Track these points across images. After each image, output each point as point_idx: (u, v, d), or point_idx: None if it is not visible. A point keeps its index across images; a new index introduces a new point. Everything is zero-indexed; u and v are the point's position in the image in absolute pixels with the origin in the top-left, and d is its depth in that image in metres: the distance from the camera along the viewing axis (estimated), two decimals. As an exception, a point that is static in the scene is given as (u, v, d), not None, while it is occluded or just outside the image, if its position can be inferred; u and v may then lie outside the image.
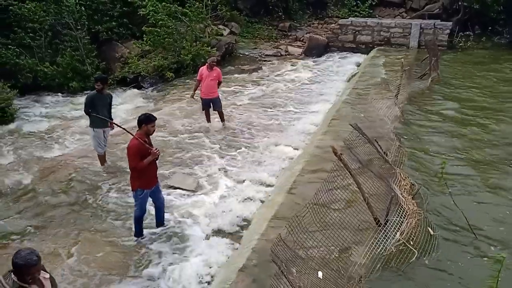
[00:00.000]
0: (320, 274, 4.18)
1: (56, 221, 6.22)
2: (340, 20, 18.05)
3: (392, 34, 16.66)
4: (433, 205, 5.51)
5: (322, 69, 15.34)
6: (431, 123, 8.60)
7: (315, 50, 17.23)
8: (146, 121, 5.41)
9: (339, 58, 16.70)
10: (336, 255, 4.60)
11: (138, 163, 5.33)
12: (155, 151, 5.37)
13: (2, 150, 8.81)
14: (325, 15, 21.13)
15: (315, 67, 15.63)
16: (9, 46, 12.95)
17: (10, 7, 13.24)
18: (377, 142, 6.35)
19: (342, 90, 12.34)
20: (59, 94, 12.96)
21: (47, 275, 3.08)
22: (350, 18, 18.46)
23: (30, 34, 13.52)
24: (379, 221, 4.91)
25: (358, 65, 15.30)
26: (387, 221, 4.86)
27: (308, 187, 6.18)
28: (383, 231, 4.71)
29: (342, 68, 15.35)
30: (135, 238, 5.80)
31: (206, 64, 9.75)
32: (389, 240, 4.60)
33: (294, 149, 8.65)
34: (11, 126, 10.40)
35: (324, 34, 18.65)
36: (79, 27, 13.97)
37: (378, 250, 4.47)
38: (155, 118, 5.55)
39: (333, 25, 18.92)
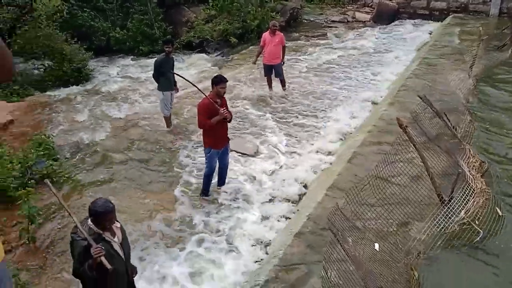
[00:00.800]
0: (377, 246, 4.17)
1: (125, 176, 6.63)
2: (414, -15, 16.95)
3: (471, 0, 15.42)
4: (503, 185, 5.23)
5: (391, 37, 14.64)
6: (508, 99, 8.00)
7: (384, 17, 16.42)
8: (217, 82, 5.60)
9: (410, 25, 15.79)
10: (395, 229, 4.54)
11: (205, 121, 5.55)
12: (223, 111, 5.50)
13: (78, 107, 9.42)
14: (398, -21, 19.87)
15: (383, 34, 14.94)
16: (85, 9, 13.56)
17: (86, -30, 13.81)
18: (446, 116, 6.04)
19: (411, 59, 11.75)
20: (130, 56, 13.48)
21: (118, 225, 3.34)
22: (425, -18, 17.26)
23: (104, -3, 14.06)
24: (443, 197, 4.75)
25: (430, 33, 14.41)
26: (451, 198, 4.68)
27: (369, 158, 6.08)
28: (446, 208, 4.55)
29: (412, 36, 14.53)
30: (201, 196, 6.07)
31: (269, 29, 9.66)
32: (452, 218, 4.45)
33: (354, 118, 8.47)
34: (86, 86, 11.03)
35: (395, 0, 17.64)
36: (149, -9, 14.27)
37: (440, 228, 4.35)
38: (226, 80, 5.70)
39: (405, -11, 17.79)
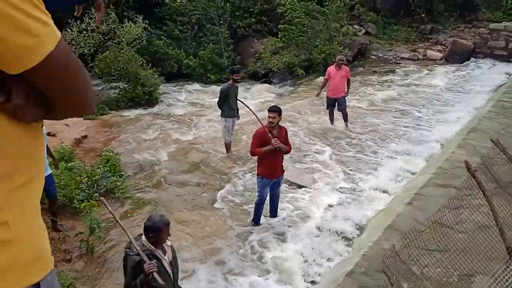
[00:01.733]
0: (434, 296, 3.89)
1: (182, 197, 6.81)
2: (492, 24, 16.25)
3: (554, 43, 14.49)
4: None
5: (464, 77, 14.04)
6: None
7: (458, 56, 15.80)
8: (268, 111, 5.68)
9: (486, 66, 15.06)
10: (455, 280, 4.22)
11: (255, 149, 5.63)
12: (274, 142, 5.51)
13: (145, 128, 9.92)
14: (474, 19, 19.23)
15: (456, 74, 14.37)
16: (161, 37, 14.48)
17: (166, 1, 14.82)
18: (521, 163, 5.61)
19: (485, 101, 11.16)
20: (198, 83, 14.08)
21: (169, 243, 3.41)
22: (503, 22, 16.51)
23: (179, 27, 14.94)
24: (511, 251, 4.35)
25: (508, 75, 13.64)
26: (522, 253, 4.28)
27: (431, 201, 5.76)
28: (515, 263, 4.16)
29: (487, 77, 13.83)
30: (252, 223, 6.07)
31: (334, 63, 9.67)
32: (522, 275, 4.05)
33: (419, 158, 8.12)
34: (156, 108, 11.64)
35: (471, 39, 17.00)
36: (221, 22, 14.99)
37: (507, 284, 3.97)
38: (274, 110, 5.64)
39: (482, 29, 17.11)
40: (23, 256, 1.15)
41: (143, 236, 3.27)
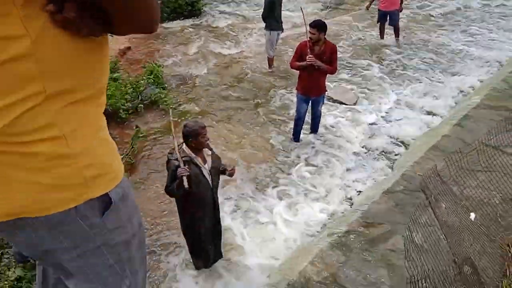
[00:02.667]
0: (472, 215, 3.86)
1: (223, 111, 6.87)
2: None
3: None
4: None
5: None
6: None
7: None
8: (309, 26, 5.23)
9: None
10: (497, 202, 4.13)
11: (293, 61, 5.48)
12: (310, 57, 5.21)
13: (188, 41, 9.80)
14: None
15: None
16: None
17: None
18: None
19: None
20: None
21: (210, 153, 3.48)
22: None
23: None
24: None
25: None
26: None
27: (481, 123, 5.50)
28: None
29: None
30: (291, 139, 6.09)
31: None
32: None
33: (474, 78, 7.64)
34: (198, 20, 11.37)
35: None
36: None
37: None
38: (314, 26, 5.19)
39: None
40: (86, 170, 1.18)
41: (184, 144, 3.36)
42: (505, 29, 9.89)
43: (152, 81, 7.19)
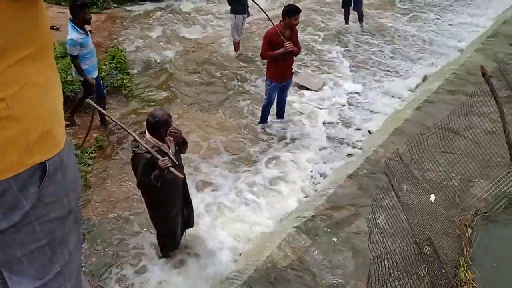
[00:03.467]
0: (432, 197, 4.01)
1: (189, 97, 6.78)
2: None
3: None
4: None
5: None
6: None
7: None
8: (289, 13, 5.19)
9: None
10: (455, 184, 4.30)
11: (267, 51, 5.35)
12: (287, 45, 5.23)
13: (152, 25, 9.55)
14: None
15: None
16: None
17: None
18: (540, 70, 5.40)
19: (508, 6, 10.45)
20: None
21: (171, 138, 3.41)
22: None
23: None
24: (515, 158, 4.38)
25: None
26: (525, 160, 4.31)
27: (441, 107, 5.70)
28: (517, 169, 4.21)
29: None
30: (259, 125, 6.09)
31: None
32: (522, 181, 4.12)
33: (434, 64, 7.87)
34: (162, 3, 11.08)
35: None
36: None
37: (505, 189, 4.06)
38: (299, 11, 5.26)
39: None
40: (26, 134, 1.13)
41: (147, 134, 3.29)
42: (464, 16, 10.20)
43: (115, 66, 6.99)
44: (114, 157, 5.39)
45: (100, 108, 3.51)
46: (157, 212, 3.58)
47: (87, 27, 5.39)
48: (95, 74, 5.45)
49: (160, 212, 3.56)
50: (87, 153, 5.30)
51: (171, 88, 6.99)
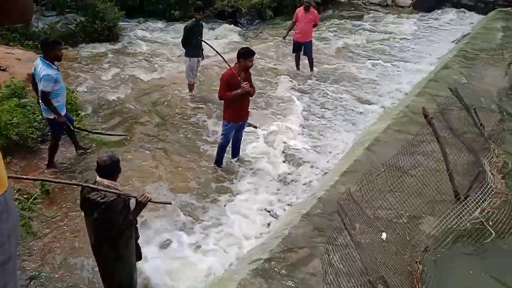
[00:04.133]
0: (384, 235, 4.09)
1: (141, 138, 6.68)
2: (462, -27, 16.16)
3: (520, -6, 14.66)
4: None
5: (429, 25, 14.12)
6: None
7: (426, 4, 15.80)
8: (245, 55, 5.40)
9: (452, 15, 15.16)
10: (405, 221, 4.44)
11: (224, 93, 5.45)
12: (245, 85, 5.36)
13: (104, 66, 9.49)
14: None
15: (422, 22, 14.41)
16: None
17: None
18: (476, 112, 5.81)
19: (447, 50, 11.31)
20: (161, 20, 13.42)
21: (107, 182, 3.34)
22: (474, -29, 16.46)
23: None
24: (459, 195, 4.60)
25: (472, 25, 13.80)
26: (467, 196, 4.54)
27: (389, 146, 5.93)
28: (461, 205, 4.41)
29: (452, 26, 13.98)
30: (214, 165, 6.07)
31: (303, 5, 9.41)
32: (466, 216, 4.32)
33: (382, 107, 8.27)
34: (116, 45, 11.08)
35: (440, -13, 16.93)
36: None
37: (452, 224, 4.23)
38: (254, 54, 5.51)
39: (452, -23, 17.03)
40: None
41: (101, 179, 3.22)
42: (409, 62, 10.90)
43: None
44: (60, 204, 5.14)
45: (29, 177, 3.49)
46: (123, 262, 3.42)
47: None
48: (64, 111, 5.43)
49: (125, 261, 3.43)
50: (31, 198, 5.03)
51: (123, 130, 6.87)
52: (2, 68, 7.85)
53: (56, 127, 5.44)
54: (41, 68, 5.05)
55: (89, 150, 6.11)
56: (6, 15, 1.12)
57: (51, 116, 5.27)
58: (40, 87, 5.10)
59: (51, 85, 5.08)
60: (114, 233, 3.19)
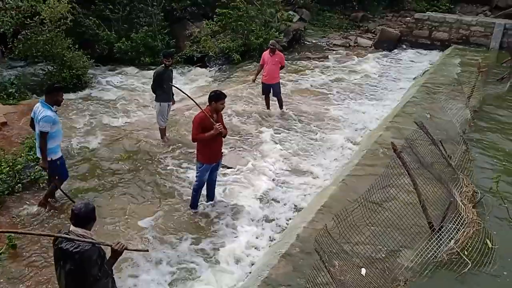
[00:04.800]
0: (363, 271, 4.09)
1: (114, 186, 6.55)
2: (416, 14, 17.16)
3: (472, 33, 15.63)
4: (496, 216, 5.16)
5: (391, 64, 14.77)
6: (504, 131, 8.00)
7: (386, 44, 16.57)
8: (216, 98, 5.52)
9: (411, 54, 15.96)
10: (383, 255, 4.45)
11: (198, 134, 5.49)
12: (218, 126, 5.44)
13: (73, 114, 9.38)
14: (401, 8, 20.28)
15: (384, 61, 15.07)
16: (90, 17, 13.64)
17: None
18: (442, 144, 6.03)
19: (409, 86, 11.82)
20: (130, 66, 13.52)
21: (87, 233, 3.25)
22: (427, 12, 17.53)
23: (110, 7, 14.15)
24: (433, 226, 4.68)
25: (431, 62, 14.54)
26: (441, 227, 4.62)
27: (361, 181, 6.01)
28: (436, 237, 4.48)
29: (412, 64, 14.70)
30: (189, 209, 5.98)
31: (268, 48, 9.71)
32: (441, 247, 4.38)
33: (351, 143, 8.46)
34: (84, 92, 11.03)
35: (398, 28, 17.90)
36: (155, 4, 14.42)
37: (429, 256, 4.27)
38: (224, 96, 5.63)
39: (408, 18, 18.09)
40: None
41: (75, 228, 3.12)
42: (365, 97, 11.31)
43: (32, 157, 6.62)
44: (30, 258, 4.90)
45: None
46: None
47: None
48: (60, 153, 5.67)
49: None
50: (-3, 253, 4.78)
51: (95, 178, 6.72)
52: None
53: (52, 169, 5.59)
54: (41, 110, 5.33)
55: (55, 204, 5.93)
56: None
57: (54, 157, 5.52)
58: (39, 128, 5.32)
59: (50, 125, 5.31)
60: (87, 285, 3.05)
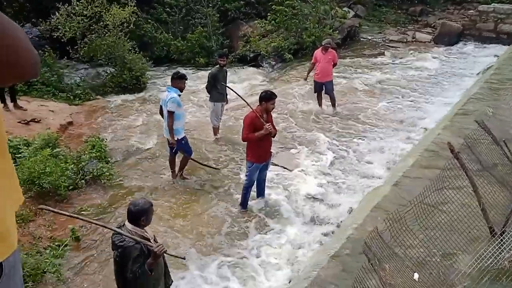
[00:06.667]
0: (416, 275, 3.94)
1: (170, 184, 6.79)
2: (480, 6, 16.19)
3: (543, 25, 14.52)
4: None
5: (453, 59, 14.04)
6: None
7: (447, 38, 15.77)
8: (267, 98, 5.58)
9: (474, 48, 15.08)
10: (438, 260, 4.27)
11: (248, 134, 5.56)
12: (268, 126, 5.48)
13: (133, 114, 9.82)
14: (464, 0, 19.20)
15: (445, 56, 14.36)
16: (149, 21, 14.23)
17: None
18: (506, 145, 5.66)
19: (472, 82, 11.18)
20: (187, 67, 13.91)
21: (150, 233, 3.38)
22: (493, 4, 16.47)
23: (167, 9, 14.67)
24: (494, 231, 4.41)
25: (496, 56, 13.66)
26: (503, 232, 4.34)
27: (417, 182, 5.80)
28: (497, 242, 4.22)
29: (476, 59, 13.88)
30: (239, 208, 6.08)
31: (321, 46, 9.59)
32: (503, 254, 4.11)
33: (408, 143, 8.16)
34: (143, 94, 11.52)
35: (460, 21, 16.96)
36: (210, 5, 14.76)
37: (489, 262, 4.03)
38: (275, 96, 5.68)
39: (471, 11, 17.08)
40: None
41: (127, 223, 3.26)
42: (424, 94, 10.82)
43: (95, 155, 7.03)
44: (91, 250, 5.21)
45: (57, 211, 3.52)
46: None
47: None
48: (182, 134, 6.49)
49: None
50: (62, 244, 5.13)
51: (153, 176, 7.01)
52: (36, 120, 8.25)
53: (185, 145, 6.53)
54: (168, 94, 6.20)
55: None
56: (6, 72, 0.99)
57: (179, 137, 6.35)
58: (167, 108, 6.11)
59: (176, 106, 6.10)
60: (127, 280, 3.20)
